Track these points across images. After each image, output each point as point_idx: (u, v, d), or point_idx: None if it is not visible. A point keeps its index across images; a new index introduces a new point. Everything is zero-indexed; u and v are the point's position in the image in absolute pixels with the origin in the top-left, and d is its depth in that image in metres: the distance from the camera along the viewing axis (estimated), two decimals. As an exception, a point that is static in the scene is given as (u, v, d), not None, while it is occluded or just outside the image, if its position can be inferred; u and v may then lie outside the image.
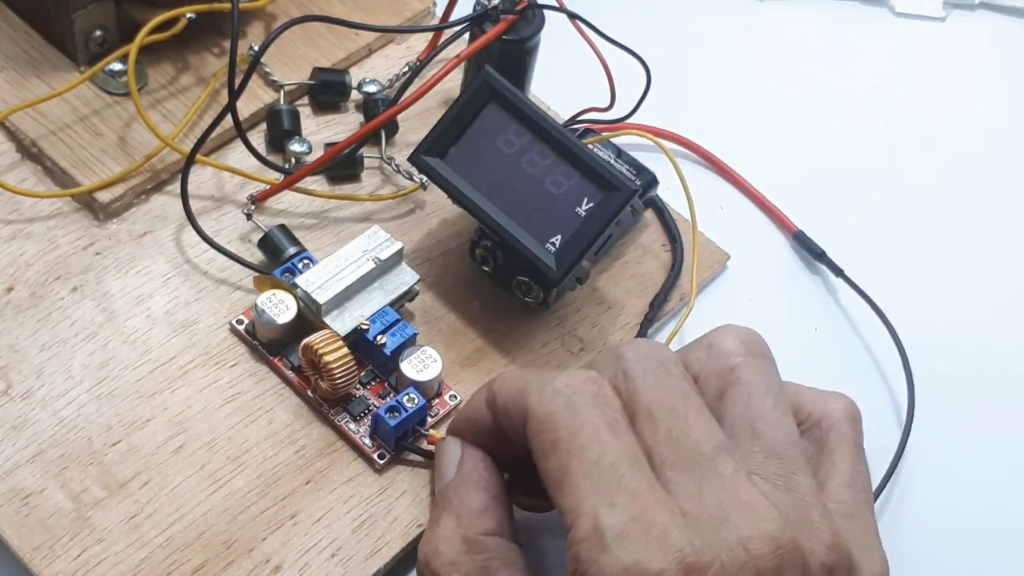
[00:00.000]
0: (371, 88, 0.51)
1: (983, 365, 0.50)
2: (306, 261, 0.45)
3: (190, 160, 0.45)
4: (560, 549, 0.34)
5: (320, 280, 0.43)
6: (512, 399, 0.37)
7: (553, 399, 0.35)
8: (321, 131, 0.51)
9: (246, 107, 0.49)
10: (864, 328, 0.50)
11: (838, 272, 0.51)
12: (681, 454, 0.34)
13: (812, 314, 0.50)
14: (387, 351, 0.43)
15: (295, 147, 0.49)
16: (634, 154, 0.50)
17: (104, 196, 0.46)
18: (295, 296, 0.43)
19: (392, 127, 0.51)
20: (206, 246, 0.46)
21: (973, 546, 0.45)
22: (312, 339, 0.42)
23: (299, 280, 0.43)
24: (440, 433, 0.41)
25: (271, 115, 0.50)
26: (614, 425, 0.34)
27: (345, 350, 0.41)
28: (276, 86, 0.51)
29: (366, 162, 0.50)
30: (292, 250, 0.45)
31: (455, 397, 0.44)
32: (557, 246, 0.43)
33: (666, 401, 0.35)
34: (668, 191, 0.50)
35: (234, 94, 0.45)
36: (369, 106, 0.51)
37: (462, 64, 0.48)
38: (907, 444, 0.46)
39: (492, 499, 0.38)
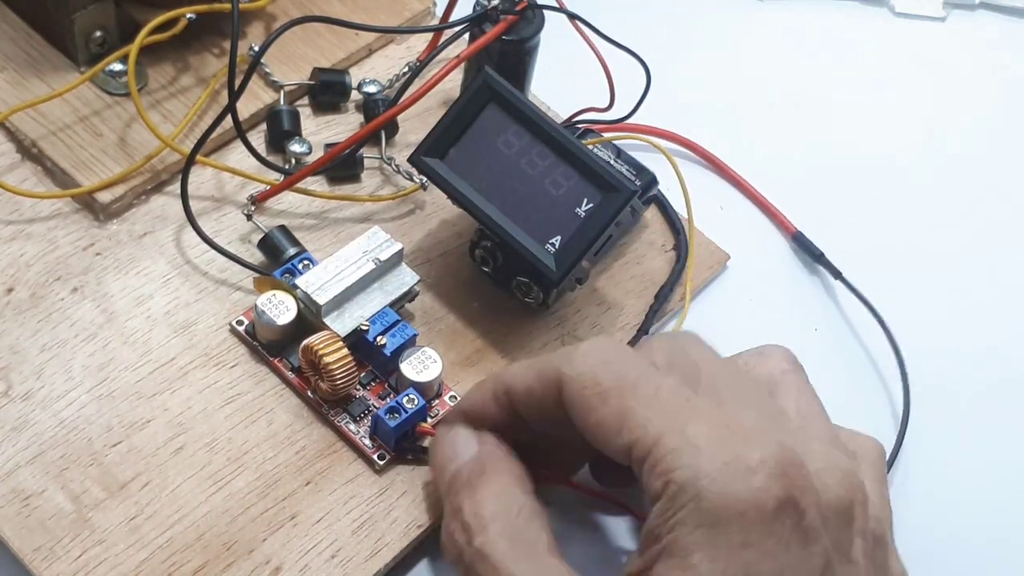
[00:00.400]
0: (371, 88, 0.51)
1: (979, 368, 0.50)
2: (306, 262, 0.45)
3: (190, 161, 0.45)
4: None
5: (320, 281, 0.43)
6: (536, 380, 0.37)
7: (586, 359, 0.36)
8: (321, 131, 0.51)
9: (246, 107, 0.49)
10: (862, 330, 0.50)
11: (836, 274, 0.51)
12: (736, 389, 0.36)
13: (810, 315, 0.50)
14: (387, 352, 0.43)
15: (295, 147, 0.49)
16: (634, 154, 0.50)
17: (104, 197, 0.46)
18: (295, 297, 0.43)
19: (392, 127, 0.51)
20: (206, 247, 0.46)
21: (970, 547, 0.45)
22: (312, 340, 0.42)
23: (299, 281, 0.43)
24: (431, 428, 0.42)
25: (271, 115, 0.50)
26: (656, 365, 0.36)
27: (345, 351, 0.42)
28: (276, 86, 0.51)
29: (366, 162, 0.50)
30: (292, 251, 0.46)
31: (455, 398, 0.44)
32: (557, 247, 0.43)
33: (711, 356, 0.38)
34: (668, 191, 0.50)
35: (234, 95, 0.45)
36: (369, 106, 0.51)
37: (462, 64, 0.48)
38: (902, 446, 0.46)
39: (521, 476, 0.38)
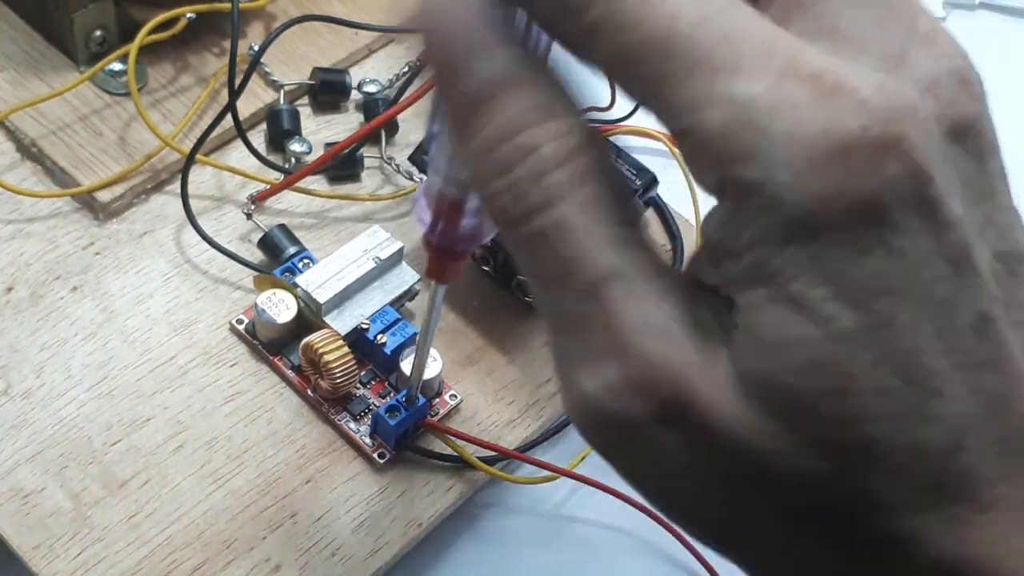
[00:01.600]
0: (371, 88, 0.51)
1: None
2: (306, 260, 0.45)
3: (190, 160, 0.45)
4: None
5: (320, 279, 0.43)
6: None
7: None
8: (321, 131, 0.51)
9: (246, 107, 0.49)
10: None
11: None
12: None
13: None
14: (387, 350, 0.43)
15: (295, 147, 0.49)
16: (634, 154, 0.50)
17: (104, 196, 0.46)
18: (295, 295, 0.43)
19: (392, 127, 0.51)
20: (206, 246, 0.46)
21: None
22: (312, 338, 0.42)
23: (299, 279, 0.43)
24: None
25: (271, 115, 0.50)
26: None
27: (345, 349, 0.41)
28: (276, 86, 0.51)
29: (366, 162, 0.50)
30: (292, 250, 0.45)
31: (455, 396, 0.44)
32: (557, 245, 0.43)
33: None
34: (668, 191, 0.50)
35: (234, 94, 0.45)
36: (369, 106, 0.51)
37: (462, 64, 0.48)
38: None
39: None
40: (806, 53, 0.21)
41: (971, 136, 0.23)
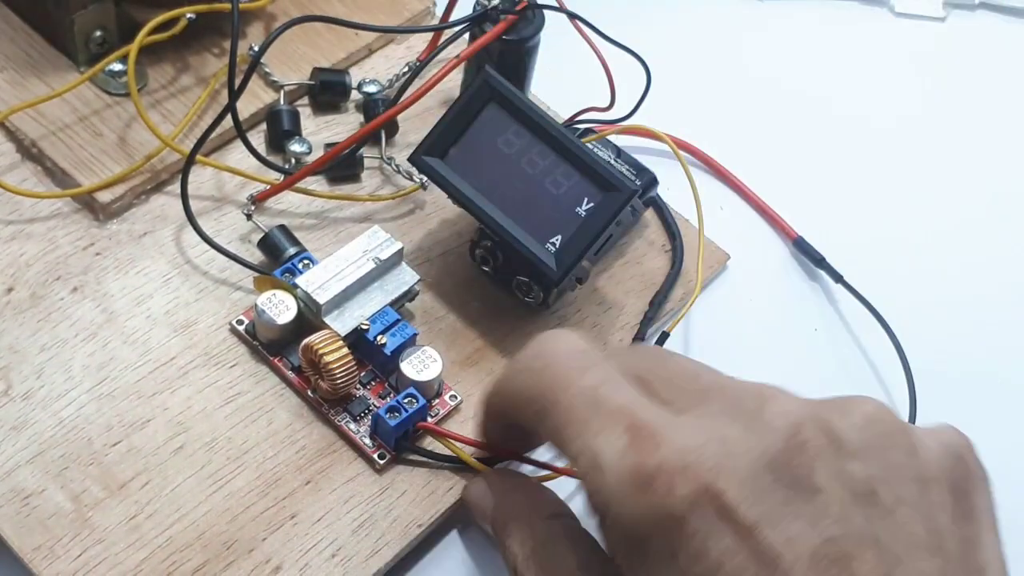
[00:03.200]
0: (371, 88, 0.51)
1: (983, 370, 0.50)
2: (306, 261, 0.45)
3: (190, 160, 0.45)
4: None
5: (320, 280, 0.43)
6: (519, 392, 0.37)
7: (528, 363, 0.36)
8: (321, 131, 0.51)
9: (246, 107, 0.49)
10: (863, 334, 0.49)
11: (838, 278, 0.50)
12: (683, 385, 0.34)
13: (811, 319, 0.50)
14: (387, 351, 0.43)
15: (295, 147, 0.49)
16: (634, 154, 0.50)
17: (104, 196, 0.46)
18: (295, 296, 0.43)
19: (392, 127, 0.51)
20: (206, 246, 0.46)
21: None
22: (312, 339, 0.42)
23: (299, 280, 0.43)
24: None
25: (271, 115, 0.50)
26: (585, 357, 0.35)
27: (345, 350, 0.41)
28: (276, 86, 0.51)
29: (366, 162, 0.50)
30: (292, 250, 0.45)
31: (455, 397, 0.44)
32: (557, 246, 0.43)
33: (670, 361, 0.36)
34: (668, 191, 0.50)
35: (234, 94, 0.45)
36: (369, 106, 0.51)
37: (462, 64, 0.48)
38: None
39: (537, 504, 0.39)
40: (643, 411, 0.31)
41: (794, 471, 0.29)
